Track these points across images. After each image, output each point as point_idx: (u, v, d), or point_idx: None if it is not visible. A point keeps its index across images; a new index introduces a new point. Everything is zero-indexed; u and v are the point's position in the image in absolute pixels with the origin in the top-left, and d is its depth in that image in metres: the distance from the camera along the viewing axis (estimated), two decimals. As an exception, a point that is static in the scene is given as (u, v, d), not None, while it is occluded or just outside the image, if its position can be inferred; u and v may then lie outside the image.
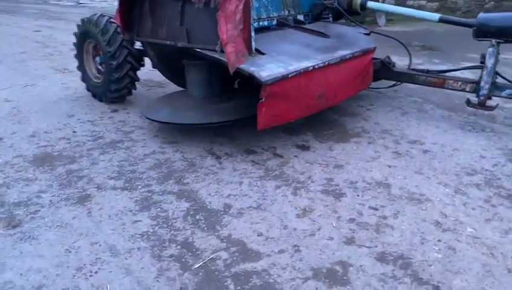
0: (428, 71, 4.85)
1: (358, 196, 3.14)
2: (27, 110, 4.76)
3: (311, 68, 3.58)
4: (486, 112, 4.57)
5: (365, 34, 4.68)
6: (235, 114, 3.85)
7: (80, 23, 4.81)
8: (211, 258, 2.51)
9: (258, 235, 2.70)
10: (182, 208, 2.97)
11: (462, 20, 4.62)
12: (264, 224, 2.81)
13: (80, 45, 4.91)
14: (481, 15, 4.35)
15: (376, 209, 2.97)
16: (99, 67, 4.88)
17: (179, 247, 2.60)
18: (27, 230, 2.73)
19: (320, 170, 3.50)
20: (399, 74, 4.88)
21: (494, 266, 2.42)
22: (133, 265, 2.45)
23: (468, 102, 4.44)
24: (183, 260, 2.49)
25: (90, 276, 2.37)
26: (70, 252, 2.55)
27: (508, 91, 4.32)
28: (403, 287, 2.29)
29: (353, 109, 4.81)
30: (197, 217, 2.88)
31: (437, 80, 4.67)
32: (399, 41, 4.99)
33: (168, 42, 3.86)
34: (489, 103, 4.36)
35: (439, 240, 2.67)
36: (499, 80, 4.37)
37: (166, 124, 4.08)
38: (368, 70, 4.38)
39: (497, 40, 4.19)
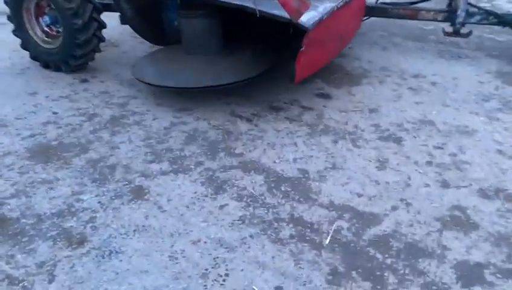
0: (398, 4, 4.90)
1: (415, 137, 3.12)
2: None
3: (335, 9, 3.33)
4: (448, 39, 4.79)
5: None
6: (243, 73, 3.45)
7: (15, -25, 3.80)
8: (335, 230, 2.29)
9: (359, 197, 2.54)
10: (259, 182, 2.65)
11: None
12: (355, 183, 2.65)
13: (16, 3, 3.89)
14: None
15: (441, 148, 3.00)
16: (47, 29, 3.97)
17: (291, 225, 2.33)
18: (101, 244, 2.20)
19: (359, 117, 3.38)
20: (371, 8, 4.83)
21: None
22: (261, 256, 2.14)
23: (444, 31, 4.61)
24: (308, 238, 2.25)
25: (224, 281, 2.01)
26: (176, 258, 2.12)
27: (477, 17, 4.57)
28: (525, 219, 2.36)
29: (347, 52, 4.69)
30: (283, 189, 2.60)
31: (410, 11, 4.73)
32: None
33: (167, -9, 3.24)
34: (463, 30, 4.58)
35: (514, 167, 2.80)
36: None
37: (168, 88, 3.54)
38: (363, 9, 4.26)
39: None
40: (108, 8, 3.93)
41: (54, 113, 3.39)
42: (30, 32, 3.98)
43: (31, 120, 3.29)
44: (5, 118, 3.31)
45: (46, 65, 4.05)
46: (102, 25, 3.85)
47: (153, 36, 4.03)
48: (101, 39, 3.91)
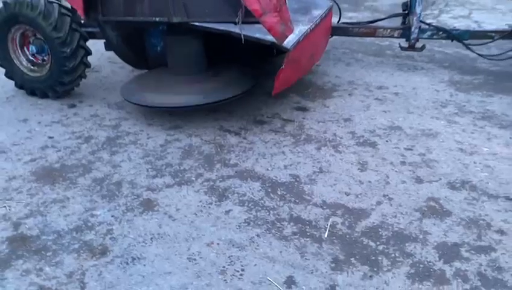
0: (358, 23, 5.39)
1: (387, 141, 3.50)
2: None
3: (308, 30, 3.70)
4: (404, 53, 5.30)
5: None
6: (230, 91, 3.72)
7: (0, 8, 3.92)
8: (331, 225, 2.60)
9: (347, 195, 2.87)
10: (257, 188, 2.93)
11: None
12: (342, 184, 2.98)
13: (2, 35, 4.01)
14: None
15: (411, 149, 3.39)
16: (32, 58, 4.11)
17: (292, 224, 2.62)
18: (123, 252, 2.39)
19: (336, 126, 3.74)
20: (335, 28, 5.28)
21: (530, 171, 3.09)
22: (270, 252, 2.41)
23: (401, 46, 5.11)
24: (309, 233, 2.54)
25: (241, 275, 2.27)
26: (195, 259, 2.36)
27: (428, 33, 5.10)
28: (488, 204, 2.77)
29: (317, 68, 5.09)
30: (279, 192, 2.89)
31: (369, 30, 5.21)
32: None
33: (156, 19, 3.50)
34: (417, 44, 5.08)
35: (474, 162, 3.22)
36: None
37: (158, 108, 3.77)
38: (329, 29, 4.67)
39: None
40: (92, 35, 4.12)
41: (50, 137, 3.54)
42: (15, 61, 4.10)
43: (28, 145, 3.42)
44: (2, 145, 3.43)
45: (32, 92, 4.16)
46: (88, 52, 4.04)
47: (136, 61, 4.25)
48: (87, 65, 4.09)
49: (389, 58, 5.53)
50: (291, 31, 3.14)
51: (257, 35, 3.37)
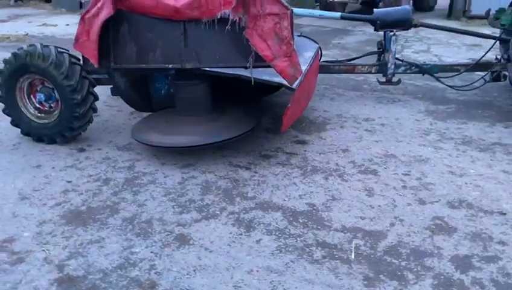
0: (338, 61, 5.86)
1: (385, 169, 3.85)
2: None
3: (306, 71, 4.06)
4: (381, 87, 5.79)
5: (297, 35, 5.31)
6: (237, 130, 3.96)
7: (9, 59, 4.04)
8: (355, 247, 2.87)
9: (362, 219, 3.16)
10: (279, 218, 3.16)
11: (363, 16, 5.71)
12: (355, 210, 3.27)
13: (10, 84, 4.11)
14: (377, 11, 5.51)
15: (408, 174, 3.75)
16: (39, 105, 4.23)
17: (320, 248, 2.86)
18: (171, 285, 2.54)
19: (336, 157, 4.07)
20: (320, 67, 5.70)
21: (509, 183, 3.51)
22: (307, 275, 2.63)
23: (379, 81, 5.59)
24: (337, 256, 2.79)
25: (286, 297, 2.47)
26: (240, 287, 2.54)
27: (402, 68, 5.61)
28: (486, 219, 3.13)
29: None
30: (300, 221, 3.14)
31: (349, 67, 5.68)
32: (308, 37, 5.77)
33: (170, 66, 3.75)
34: (394, 79, 5.57)
35: (465, 183, 3.61)
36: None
37: (169, 148, 3.97)
38: (318, 68, 5.07)
39: (396, 30, 5.39)
40: (99, 81, 4.30)
41: (68, 181, 3.64)
42: (23, 109, 4.19)
43: (49, 190, 3.51)
44: (22, 191, 3.49)
45: (39, 139, 4.24)
46: (96, 98, 4.20)
47: (141, 104, 4.45)
48: (95, 110, 4.25)
49: (367, 92, 6.00)
50: (300, 73, 3.48)
51: (264, 77, 3.68)
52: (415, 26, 5.48)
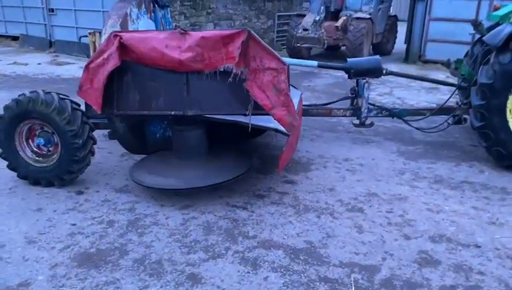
0: (316, 105, 6.29)
1: (370, 206, 4.20)
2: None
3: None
4: (354, 129, 6.21)
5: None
6: (231, 173, 4.20)
7: (11, 105, 4.15)
8: (354, 281, 3.15)
9: (357, 255, 3.46)
10: (281, 256, 3.40)
11: (339, 65, 6.20)
12: (349, 246, 3.57)
13: (10, 129, 4.21)
14: (350, 61, 6.01)
15: (391, 212, 4.11)
16: (36, 149, 4.34)
17: (323, 283, 3.12)
18: (191, 322, 2.71)
19: (325, 196, 4.39)
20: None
21: (479, 218, 3.92)
22: (315, 308, 2.87)
23: (354, 124, 6.03)
24: (338, 289, 3.06)
25: (299, 330, 2.70)
26: (256, 321, 2.75)
27: (374, 112, 6.10)
28: (464, 252, 3.51)
29: (279, 144, 5.79)
30: (301, 257, 3.40)
31: (325, 110, 6.11)
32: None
33: (172, 112, 3.99)
34: (367, 122, 6.03)
35: (442, 219, 4.01)
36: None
37: (168, 190, 4.17)
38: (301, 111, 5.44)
39: (369, 77, 5.90)
40: (97, 126, 4.46)
41: (73, 224, 3.74)
42: (21, 153, 4.28)
43: (55, 233, 3.60)
44: (29, 235, 3.57)
45: (36, 182, 4.32)
46: (95, 141, 4.36)
47: (137, 147, 4.63)
48: (93, 153, 4.39)
49: (342, 133, 6.44)
50: (297, 121, 3.82)
51: (261, 123, 4.00)
52: (386, 74, 6.02)
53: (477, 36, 6.41)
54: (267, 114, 3.81)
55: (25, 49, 13.69)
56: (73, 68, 10.93)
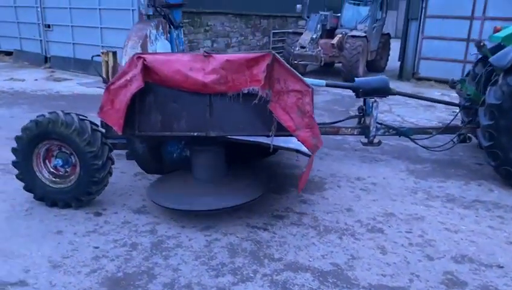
0: (324, 124, 6.35)
1: (390, 227, 4.24)
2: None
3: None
4: (360, 146, 6.29)
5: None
6: (251, 194, 4.21)
7: (30, 126, 4.11)
8: (385, 303, 3.17)
9: (384, 276, 3.48)
10: (310, 278, 3.41)
11: (346, 84, 6.29)
12: (375, 268, 3.59)
13: (28, 150, 4.16)
14: (358, 80, 6.11)
15: (410, 232, 4.15)
16: (53, 170, 4.29)
17: (354, 306, 3.13)
18: None
19: (343, 216, 4.42)
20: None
21: (497, 238, 3.98)
22: (351, 332, 2.88)
23: (362, 142, 6.10)
24: (372, 312, 3.07)
25: None
26: None
27: (382, 130, 6.18)
28: (488, 273, 3.56)
29: (290, 163, 5.82)
30: (330, 280, 3.41)
31: (333, 129, 6.16)
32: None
33: (195, 134, 3.99)
34: (375, 140, 6.11)
35: (461, 239, 4.07)
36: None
37: (189, 211, 4.16)
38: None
39: (376, 97, 5.99)
40: (114, 146, 4.44)
41: (95, 247, 3.70)
42: (38, 174, 4.22)
43: (79, 257, 3.55)
44: (53, 259, 3.51)
45: (53, 203, 4.27)
46: (113, 162, 4.33)
47: (154, 167, 4.61)
48: (111, 174, 4.36)
49: (349, 151, 6.51)
50: (321, 143, 3.85)
51: (282, 144, 4.03)
52: (393, 94, 6.12)
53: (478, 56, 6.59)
54: (291, 135, 3.84)
55: (20, 65, 13.56)
56: (72, 84, 10.87)
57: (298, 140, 3.82)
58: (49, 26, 13.02)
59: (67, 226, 4.02)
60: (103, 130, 4.29)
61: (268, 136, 3.91)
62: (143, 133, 4.08)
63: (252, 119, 3.95)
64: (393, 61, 15.20)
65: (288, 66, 3.79)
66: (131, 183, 4.99)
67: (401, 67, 13.85)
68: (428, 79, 13.14)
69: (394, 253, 3.79)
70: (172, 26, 5.10)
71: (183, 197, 4.18)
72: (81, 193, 4.21)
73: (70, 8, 12.23)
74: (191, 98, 3.96)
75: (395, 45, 15.57)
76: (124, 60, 4.24)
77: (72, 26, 12.41)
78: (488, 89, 5.34)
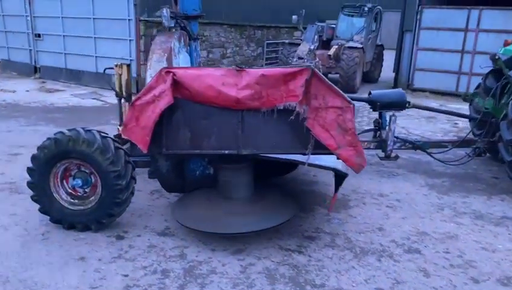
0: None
1: (425, 247, 4.09)
2: (11, 274, 3.43)
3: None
4: (375, 160, 6.19)
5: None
6: (283, 215, 4.04)
7: (48, 144, 3.84)
8: (442, 332, 3.00)
9: (433, 301, 3.32)
10: (358, 305, 3.23)
11: (363, 97, 6.17)
12: (421, 291, 3.43)
13: (45, 170, 3.88)
14: (375, 93, 6.00)
15: (448, 252, 4.01)
16: (71, 190, 4.02)
17: (411, 336, 2.95)
18: None
19: (375, 236, 4.26)
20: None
21: (547, 262, 3.88)
22: None
23: (379, 156, 5.98)
24: None
25: None
26: None
27: (398, 144, 6.09)
28: (537, 295, 3.44)
29: (306, 179, 5.65)
30: (379, 307, 3.23)
31: (349, 143, 6.03)
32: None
33: (226, 152, 3.78)
34: (392, 154, 6.00)
35: (501, 259, 3.94)
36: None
37: (219, 234, 3.94)
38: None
39: (394, 110, 5.90)
40: (136, 164, 4.20)
41: (125, 275, 3.44)
42: (55, 195, 3.95)
43: (108, 287, 3.29)
44: (80, 289, 3.24)
45: (71, 226, 3.99)
46: (135, 181, 4.09)
47: (176, 186, 4.38)
48: (133, 194, 4.11)
49: (367, 167, 6.35)
50: (366, 162, 3.69)
51: (316, 162, 3.86)
52: (409, 107, 6.04)
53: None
54: (330, 153, 3.67)
55: (8, 75, 13.12)
56: (65, 96, 10.53)
57: (340, 159, 3.65)
58: (39, 35, 12.63)
59: (90, 251, 3.75)
60: (124, 148, 4.03)
61: (304, 154, 3.73)
62: (171, 151, 3.85)
63: (287, 136, 3.76)
64: (385, 72, 15.27)
65: (328, 81, 3.63)
66: (149, 203, 4.73)
67: (396, 78, 13.89)
68: (423, 90, 13.20)
69: (438, 276, 3.64)
70: (190, 38, 4.89)
71: (212, 218, 3.95)
72: (102, 215, 3.94)
73: (62, 17, 11.88)
74: (221, 114, 3.76)
75: (388, 57, 15.66)
76: (148, 75, 4.02)
77: (64, 35, 12.05)
78: (511, 103, 5.28)
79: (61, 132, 3.88)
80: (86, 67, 11.68)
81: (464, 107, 8.48)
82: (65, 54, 12.14)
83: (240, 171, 4.09)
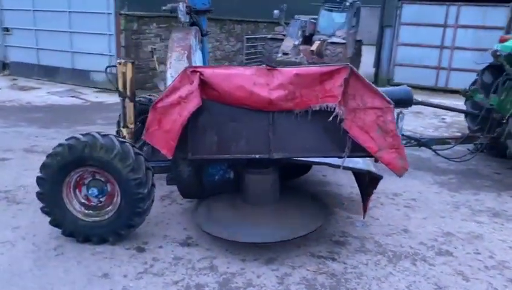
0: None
1: (455, 248, 4.03)
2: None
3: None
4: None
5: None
6: (316, 220, 3.91)
7: (61, 151, 3.49)
8: (499, 339, 2.91)
9: (480, 306, 3.24)
10: (408, 315, 3.10)
11: (370, 95, 6.06)
12: (465, 296, 3.34)
13: (57, 179, 3.53)
14: (382, 90, 5.89)
15: (479, 253, 3.96)
16: (84, 200, 3.70)
17: None
18: None
19: (403, 238, 4.15)
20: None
21: None
22: None
23: (386, 154, 5.90)
24: None
25: None
26: None
27: (404, 142, 6.02)
28: None
29: (317, 179, 5.50)
30: (429, 315, 3.11)
31: (356, 141, 5.93)
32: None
33: (256, 156, 3.56)
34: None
35: (529, 257, 3.93)
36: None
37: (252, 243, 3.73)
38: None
39: (401, 107, 5.82)
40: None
41: (157, 294, 3.18)
42: (68, 206, 3.61)
43: (143, 307, 3.02)
44: (112, 311, 2.96)
45: (86, 239, 3.67)
46: (155, 188, 3.81)
47: (194, 192, 4.11)
48: (153, 202, 3.83)
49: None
50: (408, 165, 3.55)
51: (350, 165, 3.70)
52: (415, 104, 5.98)
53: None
54: (369, 156, 3.52)
55: (-27, 72, 12.30)
56: (42, 94, 9.95)
57: (381, 162, 3.50)
58: (7, 29, 11.88)
59: (112, 267, 3.45)
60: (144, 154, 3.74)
61: (340, 157, 3.56)
62: (197, 156, 3.59)
63: (321, 139, 3.58)
64: (364, 67, 15.34)
65: (367, 80, 3.46)
66: (162, 210, 4.45)
67: (376, 74, 13.98)
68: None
69: (476, 279, 3.56)
70: (202, 34, 4.62)
71: (240, 227, 3.73)
72: (121, 226, 3.64)
73: (33, 10, 11.21)
74: (250, 116, 3.53)
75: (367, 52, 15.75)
76: (168, 74, 3.73)
77: (36, 30, 11.38)
78: (520, 99, 5.31)
79: (74, 137, 3.54)
80: (62, 63, 11.09)
81: (447, 102, 8.64)
82: (37, 49, 11.47)
83: (268, 175, 3.88)
